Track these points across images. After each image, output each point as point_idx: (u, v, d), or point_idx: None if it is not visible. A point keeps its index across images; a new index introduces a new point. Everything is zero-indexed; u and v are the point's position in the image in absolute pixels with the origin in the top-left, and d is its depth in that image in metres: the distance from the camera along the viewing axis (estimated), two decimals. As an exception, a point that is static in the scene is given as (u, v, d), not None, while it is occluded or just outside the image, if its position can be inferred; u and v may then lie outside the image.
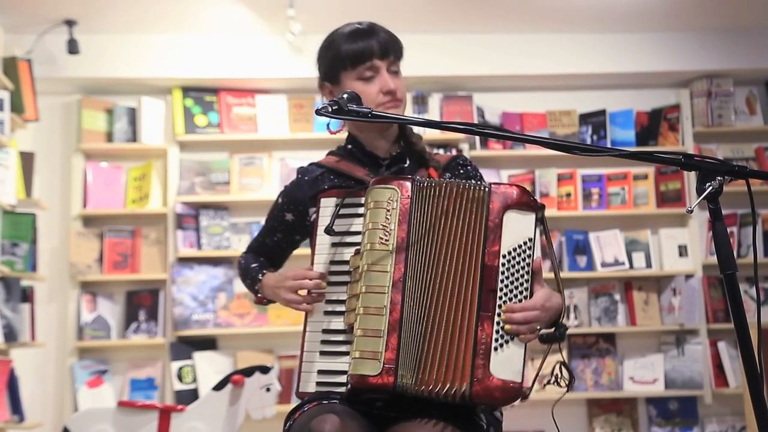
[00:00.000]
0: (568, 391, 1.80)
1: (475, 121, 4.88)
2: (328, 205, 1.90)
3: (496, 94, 5.06)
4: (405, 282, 1.76)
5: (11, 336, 4.08)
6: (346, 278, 1.85)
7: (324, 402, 1.80)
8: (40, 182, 4.61)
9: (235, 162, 4.82)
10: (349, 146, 2.08)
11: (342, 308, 1.84)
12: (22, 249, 4.24)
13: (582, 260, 4.89)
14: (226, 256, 4.76)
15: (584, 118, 5.04)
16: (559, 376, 1.81)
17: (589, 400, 4.83)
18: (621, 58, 4.91)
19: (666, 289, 4.88)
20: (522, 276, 1.77)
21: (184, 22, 4.62)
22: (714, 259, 1.79)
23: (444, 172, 2.05)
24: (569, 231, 4.92)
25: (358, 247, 1.83)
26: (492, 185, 1.80)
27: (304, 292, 1.90)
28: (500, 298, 1.75)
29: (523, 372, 1.73)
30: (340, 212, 1.87)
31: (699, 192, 1.59)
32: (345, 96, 1.77)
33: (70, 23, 4.49)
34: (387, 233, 1.78)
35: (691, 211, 1.58)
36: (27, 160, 4.36)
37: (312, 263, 1.90)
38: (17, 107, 4.30)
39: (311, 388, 1.83)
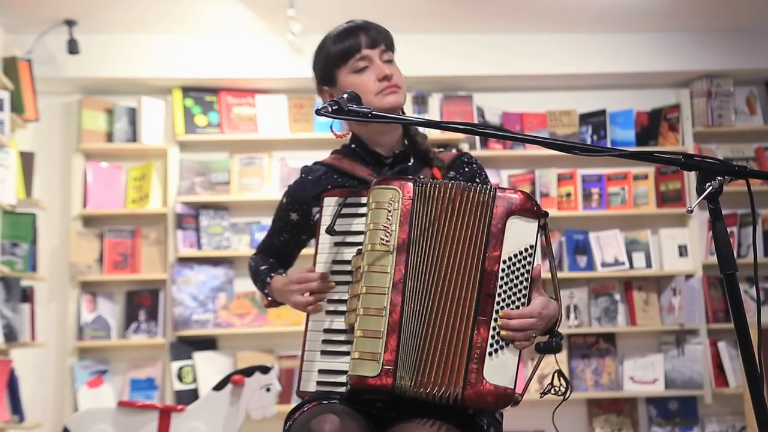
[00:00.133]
0: (564, 399, 1.81)
1: (475, 121, 4.88)
2: (330, 205, 1.90)
3: (496, 94, 5.06)
4: (405, 283, 1.76)
5: (11, 336, 4.08)
6: (347, 278, 1.85)
7: (324, 402, 1.80)
8: (40, 182, 4.61)
9: (235, 162, 4.82)
10: (353, 145, 2.08)
11: (343, 308, 1.84)
12: (22, 249, 4.24)
13: (582, 260, 4.89)
14: (226, 256, 4.76)
15: (584, 118, 5.04)
16: (558, 384, 1.81)
17: (589, 400, 4.83)
18: (621, 58, 4.91)
19: (666, 289, 4.88)
20: (521, 283, 1.77)
21: (184, 22, 4.62)
22: (714, 259, 1.79)
23: (449, 171, 2.04)
24: (569, 231, 4.92)
25: (360, 247, 1.82)
26: (497, 189, 1.80)
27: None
28: (498, 303, 1.75)
29: (516, 378, 1.73)
30: (341, 212, 1.87)
31: (699, 192, 1.59)
32: (345, 96, 1.77)
33: (70, 23, 4.49)
34: (388, 234, 1.78)
35: (691, 211, 1.58)
36: (27, 160, 4.36)
37: (314, 263, 1.91)
38: (17, 107, 4.30)
39: (311, 387, 1.83)
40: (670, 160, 1.65)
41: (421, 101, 4.91)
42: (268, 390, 3.43)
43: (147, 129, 4.77)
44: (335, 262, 1.88)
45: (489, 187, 1.81)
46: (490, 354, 1.73)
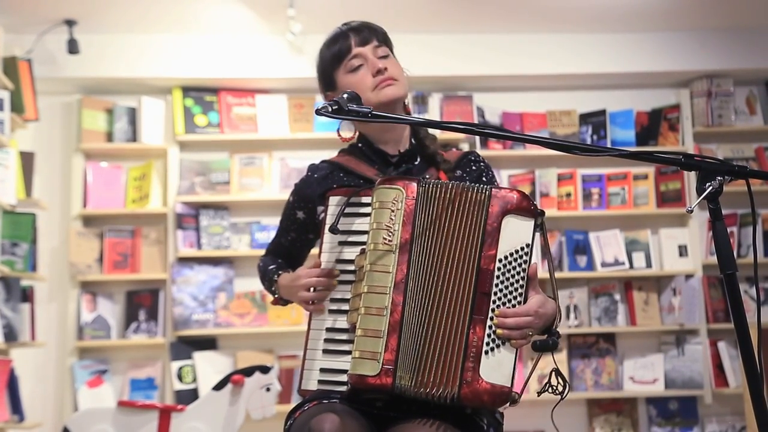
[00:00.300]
0: (562, 398, 1.81)
1: (475, 121, 4.88)
2: (335, 204, 1.91)
3: (496, 94, 5.06)
4: (407, 283, 1.76)
5: (11, 336, 4.08)
6: (351, 277, 1.85)
7: (324, 401, 1.80)
8: (40, 182, 4.61)
9: (235, 162, 4.82)
10: (359, 144, 2.08)
11: (346, 307, 1.85)
12: (22, 249, 4.24)
13: (582, 260, 4.89)
14: (226, 256, 4.76)
15: (584, 118, 5.04)
16: (555, 383, 1.81)
17: (589, 400, 4.83)
18: (621, 58, 4.91)
19: (666, 289, 4.88)
20: (517, 281, 1.77)
21: (184, 22, 4.62)
22: (714, 259, 1.79)
23: (455, 169, 2.04)
24: (569, 231, 4.92)
25: (363, 247, 1.83)
26: (493, 188, 1.80)
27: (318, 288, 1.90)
28: (494, 302, 1.76)
29: (513, 377, 1.73)
30: (345, 211, 1.87)
31: (699, 192, 1.59)
32: (345, 96, 1.77)
33: (70, 23, 4.49)
34: (390, 234, 1.78)
35: (691, 211, 1.59)
36: (27, 159, 4.36)
37: (318, 262, 1.91)
38: (17, 107, 4.30)
39: (312, 385, 1.84)
40: (670, 160, 1.65)
41: (421, 101, 4.91)
42: (268, 390, 3.43)
43: (147, 129, 4.77)
44: (339, 261, 1.88)
45: (485, 186, 1.81)
46: (487, 352, 1.73)
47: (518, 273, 1.78)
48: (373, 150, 2.05)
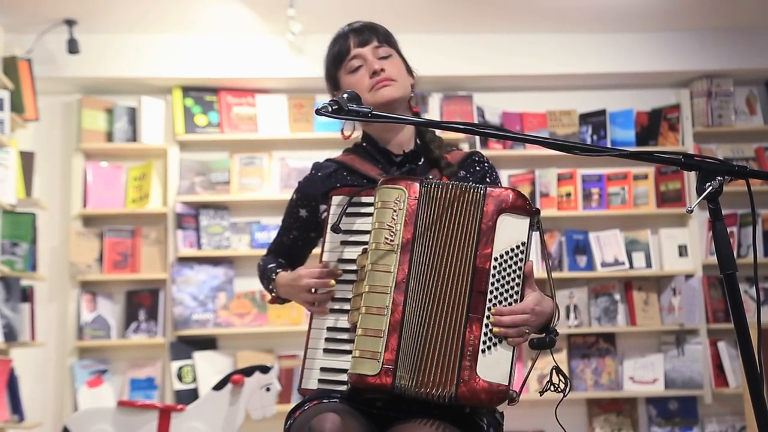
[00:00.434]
0: (564, 396, 1.80)
1: (475, 121, 4.88)
2: (338, 203, 1.91)
3: (496, 94, 5.06)
4: (408, 283, 1.77)
5: (11, 336, 4.08)
6: (353, 277, 1.86)
7: (324, 401, 1.80)
8: (40, 182, 4.61)
9: (235, 162, 4.82)
10: (364, 143, 2.09)
11: (348, 306, 1.85)
12: (22, 249, 4.24)
13: (582, 260, 4.89)
14: (226, 256, 4.76)
15: (584, 118, 5.04)
16: (557, 381, 1.80)
17: (589, 400, 4.83)
18: (621, 58, 4.91)
19: (666, 289, 4.88)
20: (513, 279, 1.78)
21: (184, 22, 4.62)
22: (714, 259, 1.79)
23: (459, 170, 2.04)
24: (569, 231, 4.92)
25: (365, 246, 1.83)
26: (488, 188, 1.81)
27: (320, 290, 1.89)
28: (490, 300, 1.76)
29: (511, 375, 1.73)
30: (348, 210, 1.88)
31: (699, 192, 1.59)
32: (345, 96, 1.78)
33: (70, 23, 4.49)
34: (392, 233, 1.79)
35: (691, 211, 1.58)
36: (27, 159, 4.36)
37: (321, 261, 1.91)
38: (17, 107, 4.30)
39: (313, 384, 1.84)
40: (670, 160, 1.65)
41: (421, 101, 4.91)
42: (267, 390, 3.43)
43: (147, 129, 4.77)
44: (341, 260, 1.89)
45: (480, 185, 1.82)
46: (483, 351, 1.73)
47: (514, 271, 1.78)
48: (378, 149, 2.06)
